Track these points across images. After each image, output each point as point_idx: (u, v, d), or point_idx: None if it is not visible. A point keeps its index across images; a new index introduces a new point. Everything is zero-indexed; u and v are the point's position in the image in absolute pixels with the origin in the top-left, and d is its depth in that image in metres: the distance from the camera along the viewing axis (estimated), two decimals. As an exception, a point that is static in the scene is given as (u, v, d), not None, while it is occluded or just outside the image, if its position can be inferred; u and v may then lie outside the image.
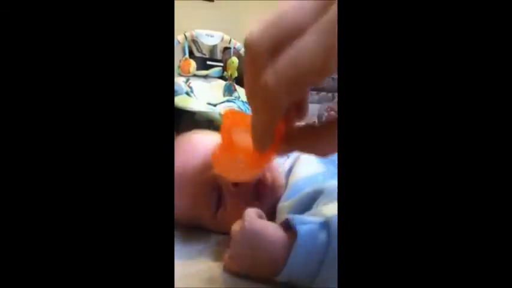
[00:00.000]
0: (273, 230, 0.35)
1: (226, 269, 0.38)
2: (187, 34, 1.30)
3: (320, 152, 0.28)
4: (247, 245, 0.36)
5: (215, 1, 2.44)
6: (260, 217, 0.37)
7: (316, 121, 1.62)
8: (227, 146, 0.33)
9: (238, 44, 1.39)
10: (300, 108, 0.29)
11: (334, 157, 0.26)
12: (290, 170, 0.52)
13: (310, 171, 0.50)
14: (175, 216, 0.43)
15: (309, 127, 0.29)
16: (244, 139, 0.31)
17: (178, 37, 1.28)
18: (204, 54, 2.04)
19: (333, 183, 0.44)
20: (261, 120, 0.26)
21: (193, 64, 1.34)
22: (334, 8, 0.22)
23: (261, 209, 0.50)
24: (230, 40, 1.37)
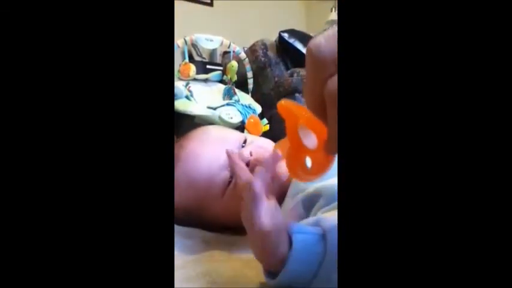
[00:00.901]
0: (276, 235, 0.35)
1: None
2: (187, 38, 1.30)
3: None
4: (253, 240, 0.37)
5: (215, 6, 2.44)
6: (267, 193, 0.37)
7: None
8: (298, 147, 0.33)
9: (237, 48, 1.39)
10: None
11: None
12: None
13: None
14: (185, 203, 0.43)
15: None
16: (309, 139, 0.32)
17: (178, 41, 1.28)
18: (204, 59, 2.05)
19: (331, 181, 0.44)
20: (334, 127, 0.26)
21: (193, 68, 1.34)
22: None
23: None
24: (230, 44, 1.37)
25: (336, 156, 0.31)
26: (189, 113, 1.17)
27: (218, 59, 2.03)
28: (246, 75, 1.42)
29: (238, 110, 1.22)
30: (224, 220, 0.54)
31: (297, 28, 1.76)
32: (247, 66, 1.41)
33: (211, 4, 2.44)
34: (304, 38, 1.64)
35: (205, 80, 1.43)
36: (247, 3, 2.45)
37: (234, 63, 1.37)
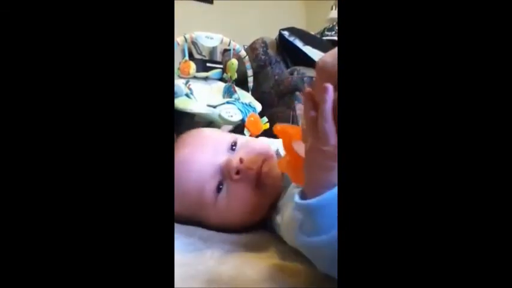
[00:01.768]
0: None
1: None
2: (187, 36, 1.30)
3: None
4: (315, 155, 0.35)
5: (215, 3, 2.44)
6: None
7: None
8: (295, 160, 0.38)
9: (237, 46, 1.39)
10: None
11: None
12: None
13: None
14: (178, 208, 0.43)
15: None
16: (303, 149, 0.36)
17: (178, 39, 1.28)
18: (204, 56, 2.04)
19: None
20: (323, 113, 0.30)
21: (193, 66, 1.34)
22: None
23: (262, 200, 0.51)
24: (230, 42, 1.37)
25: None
26: (189, 111, 1.17)
27: (218, 57, 2.03)
28: (246, 73, 1.41)
29: (238, 108, 1.22)
30: (219, 224, 0.53)
31: (297, 26, 1.76)
32: (248, 64, 1.41)
33: (211, 2, 2.44)
34: (305, 36, 1.64)
35: (205, 78, 1.43)
36: (247, 1, 2.45)
37: (234, 61, 1.37)
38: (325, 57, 0.31)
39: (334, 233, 0.31)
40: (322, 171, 0.33)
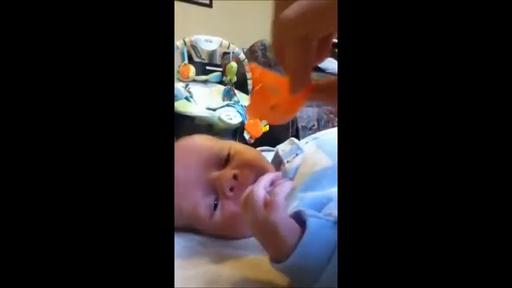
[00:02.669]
0: (285, 222, 0.35)
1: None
2: (186, 40, 1.30)
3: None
4: (259, 234, 0.37)
5: (214, 7, 2.45)
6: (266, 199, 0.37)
7: (316, 124, 1.63)
8: (261, 93, 0.35)
9: (237, 49, 1.40)
10: (321, 50, 0.30)
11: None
12: (296, 169, 0.53)
13: (317, 166, 0.51)
14: (176, 224, 0.43)
15: (333, 81, 0.30)
16: (276, 89, 0.34)
17: (177, 43, 1.28)
18: (203, 60, 2.05)
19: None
20: (293, 58, 0.27)
21: (192, 69, 1.34)
22: None
23: None
24: (229, 45, 1.38)
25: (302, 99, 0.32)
26: (188, 114, 1.17)
27: (217, 60, 2.03)
28: (245, 76, 1.42)
29: (238, 111, 1.22)
30: (216, 235, 0.53)
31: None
32: (247, 67, 1.41)
33: (210, 5, 2.45)
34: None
35: (205, 81, 1.43)
36: (246, 4, 2.45)
37: (234, 64, 1.37)
38: (287, 10, 0.26)
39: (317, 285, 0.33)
40: (279, 243, 0.34)
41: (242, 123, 1.21)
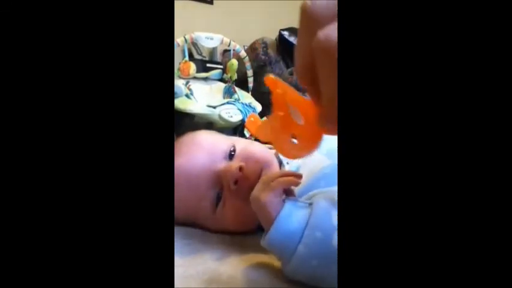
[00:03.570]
0: (273, 203, 0.41)
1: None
2: (187, 37, 1.30)
3: None
4: (253, 206, 0.42)
5: (215, 4, 2.44)
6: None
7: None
8: (284, 121, 0.31)
9: (237, 47, 1.39)
10: None
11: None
12: (297, 170, 0.53)
13: (316, 168, 0.51)
14: (176, 215, 0.44)
15: None
16: (297, 115, 0.29)
17: (178, 40, 1.28)
18: (204, 57, 2.04)
19: (334, 189, 0.44)
20: (327, 90, 0.23)
21: (193, 67, 1.34)
22: None
23: None
24: (230, 42, 1.37)
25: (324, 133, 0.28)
26: (189, 111, 1.17)
27: (218, 58, 2.03)
28: (246, 73, 1.42)
29: (238, 109, 1.22)
30: (218, 230, 0.53)
31: (297, 26, 1.76)
32: (248, 65, 1.41)
33: (211, 2, 2.44)
34: (305, 37, 1.64)
35: (205, 79, 1.43)
36: (247, 1, 2.45)
37: (234, 62, 1.37)
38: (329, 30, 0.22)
39: (294, 260, 0.38)
40: (267, 220, 0.41)
41: (242, 121, 1.21)
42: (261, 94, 1.53)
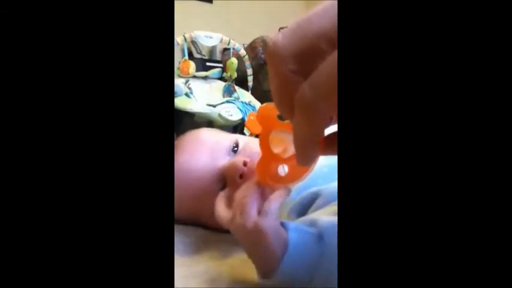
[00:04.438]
0: (274, 232, 0.34)
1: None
2: (187, 35, 1.30)
3: None
4: (248, 243, 0.36)
5: (214, 3, 2.44)
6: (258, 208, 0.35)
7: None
8: (268, 156, 0.33)
9: (237, 45, 1.39)
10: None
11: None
12: None
13: (315, 166, 0.50)
14: (177, 213, 0.43)
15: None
16: (284, 144, 0.32)
17: (178, 38, 1.28)
18: (204, 56, 2.04)
19: (333, 184, 0.44)
20: (303, 134, 0.25)
21: (192, 65, 1.34)
22: None
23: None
24: (229, 41, 1.37)
25: (312, 165, 0.31)
26: (188, 110, 1.17)
27: (218, 56, 2.03)
28: (245, 72, 1.42)
29: (238, 108, 1.22)
30: (222, 228, 0.53)
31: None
32: (247, 63, 1.41)
33: (210, 1, 2.44)
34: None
35: (205, 77, 1.43)
36: (247, 0, 2.45)
37: (234, 60, 1.37)
38: (276, 36, 0.23)
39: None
40: (265, 254, 0.33)
41: (242, 120, 1.21)
42: (261, 93, 1.53)
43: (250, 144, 0.53)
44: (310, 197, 0.45)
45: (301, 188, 0.47)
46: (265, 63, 1.62)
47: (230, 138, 0.55)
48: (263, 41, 1.66)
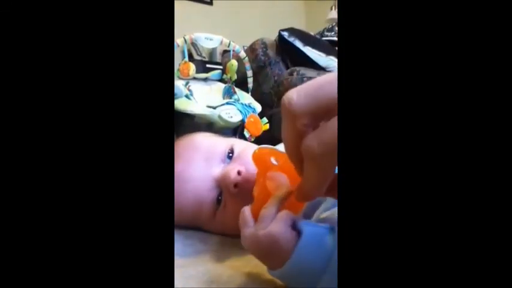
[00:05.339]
0: (285, 233, 0.34)
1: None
2: (187, 37, 1.30)
3: None
4: (256, 249, 0.36)
5: (214, 5, 2.44)
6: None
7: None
8: (264, 196, 0.36)
9: (237, 47, 1.39)
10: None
11: None
12: None
13: None
14: (176, 220, 0.43)
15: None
16: (280, 183, 0.36)
17: (178, 40, 1.28)
18: (204, 58, 2.04)
19: None
20: (311, 182, 0.29)
21: (192, 67, 1.34)
22: None
23: None
24: (229, 43, 1.37)
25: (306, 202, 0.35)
26: (188, 112, 1.16)
27: (218, 58, 2.03)
28: (245, 74, 1.42)
29: (238, 109, 1.22)
30: (220, 233, 0.53)
31: (297, 27, 1.76)
32: (247, 65, 1.41)
33: (210, 3, 2.44)
34: (304, 37, 1.64)
35: (205, 79, 1.42)
36: (246, 2, 2.45)
37: (234, 62, 1.37)
38: (291, 94, 0.28)
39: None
40: (275, 254, 0.34)
41: (242, 122, 1.21)
42: (261, 94, 1.53)
43: (246, 151, 0.52)
44: (312, 203, 0.45)
45: None
46: (265, 65, 1.62)
47: (225, 143, 0.54)
48: (263, 43, 1.66)
